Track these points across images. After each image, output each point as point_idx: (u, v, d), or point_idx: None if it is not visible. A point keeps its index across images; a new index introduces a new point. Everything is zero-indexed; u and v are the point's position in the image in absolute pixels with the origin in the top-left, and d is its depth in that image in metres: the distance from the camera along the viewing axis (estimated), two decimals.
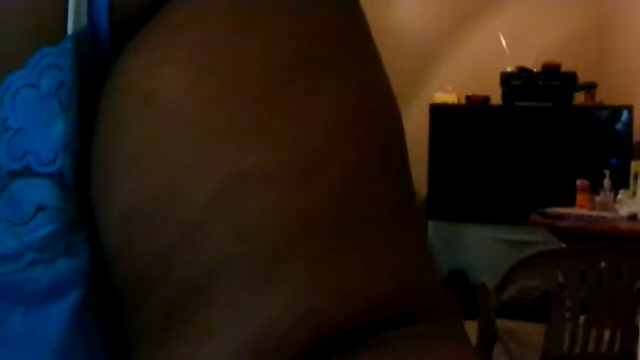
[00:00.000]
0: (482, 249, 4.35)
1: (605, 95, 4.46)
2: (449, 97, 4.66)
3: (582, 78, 4.42)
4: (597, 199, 3.31)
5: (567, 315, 2.27)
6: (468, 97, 4.62)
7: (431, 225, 4.50)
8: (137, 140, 0.28)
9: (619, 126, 4.37)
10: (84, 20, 0.29)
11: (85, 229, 0.29)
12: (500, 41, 4.76)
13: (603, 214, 3.17)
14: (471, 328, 2.54)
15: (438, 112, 4.62)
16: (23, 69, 0.28)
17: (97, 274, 0.29)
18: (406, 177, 0.31)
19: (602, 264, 2.25)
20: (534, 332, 2.45)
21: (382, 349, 0.27)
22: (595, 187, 3.41)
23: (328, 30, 0.30)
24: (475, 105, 4.60)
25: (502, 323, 2.55)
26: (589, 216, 3.16)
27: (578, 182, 3.45)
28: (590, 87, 4.42)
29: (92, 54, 0.29)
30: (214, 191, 0.27)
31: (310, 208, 0.27)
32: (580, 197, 3.40)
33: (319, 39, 0.30)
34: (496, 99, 4.54)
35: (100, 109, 0.29)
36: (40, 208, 0.28)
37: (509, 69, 4.52)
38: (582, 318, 2.28)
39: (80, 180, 0.29)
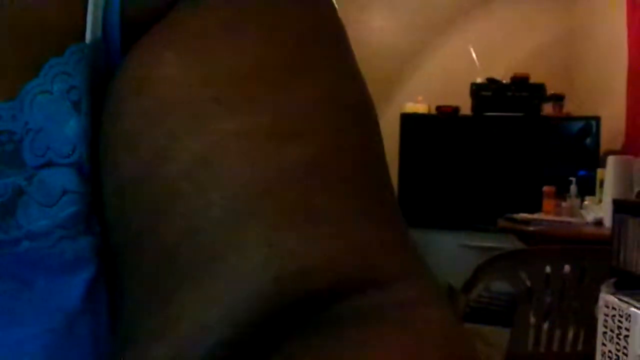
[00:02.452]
0: (452, 256, 4.36)
1: (573, 107, 4.53)
2: (419, 107, 4.71)
3: (551, 89, 4.48)
4: (564, 204, 3.34)
5: (532, 314, 2.29)
6: (438, 108, 4.66)
7: None
8: (131, 119, 0.32)
9: (586, 137, 4.43)
10: (99, 33, 0.33)
11: (98, 211, 0.33)
12: (471, 53, 4.82)
13: (569, 219, 3.20)
14: None
15: (409, 121, 4.66)
16: (37, 78, 0.32)
17: (105, 249, 0.33)
18: (378, 150, 0.34)
19: (566, 266, 2.28)
20: (500, 335, 2.47)
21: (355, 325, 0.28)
22: (562, 195, 3.44)
23: (311, 27, 0.34)
24: (446, 115, 4.64)
25: (469, 327, 2.57)
26: (555, 221, 3.19)
27: (544, 188, 3.48)
28: (558, 99, 4.49)
29: (106, 60, 0.34)
30: (201, 148, 0.30)
31: (287, 163, 0.30)
32: (546, 203, 3.42)
33: (305, 35, 0.34)
34: (466, 109, 4.59)
35: (105, 102, 0.33)
36: (64, 192, 0.31)
37: (479, 80, 4.57)
38: (546, 318, 2.31)
39: (95, 168, 0.33)
